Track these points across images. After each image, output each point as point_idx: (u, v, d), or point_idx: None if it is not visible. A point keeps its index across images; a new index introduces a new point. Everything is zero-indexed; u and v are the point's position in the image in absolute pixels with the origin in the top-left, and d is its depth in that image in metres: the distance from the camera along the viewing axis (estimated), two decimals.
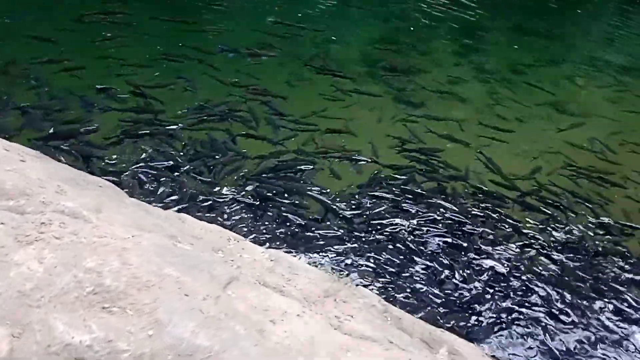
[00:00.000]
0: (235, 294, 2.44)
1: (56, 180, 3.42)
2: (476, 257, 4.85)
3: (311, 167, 5.64)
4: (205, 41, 8.12)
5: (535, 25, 11.47)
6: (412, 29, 10.15)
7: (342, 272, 4.09)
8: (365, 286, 4.13)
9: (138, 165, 5.04)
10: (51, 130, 5.39)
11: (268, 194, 5.09)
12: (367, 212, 5.13)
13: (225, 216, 4.68)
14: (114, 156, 5.17)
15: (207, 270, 2.50)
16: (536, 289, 4.62)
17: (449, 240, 4.97)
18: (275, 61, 8.00)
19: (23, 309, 1.83)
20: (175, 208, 4.49)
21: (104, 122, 5.71)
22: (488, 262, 4.75)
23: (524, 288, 4.62)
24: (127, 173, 4.90)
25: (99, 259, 2.18)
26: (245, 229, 4.61)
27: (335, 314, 2.70)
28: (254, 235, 4.58)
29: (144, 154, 5.29)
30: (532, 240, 5.25)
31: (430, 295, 4.29)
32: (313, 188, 5.36)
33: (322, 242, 4.57)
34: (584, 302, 4.62)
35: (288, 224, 4.81)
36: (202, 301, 2.22)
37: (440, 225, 5.16)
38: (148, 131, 5.66)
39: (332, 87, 7.43)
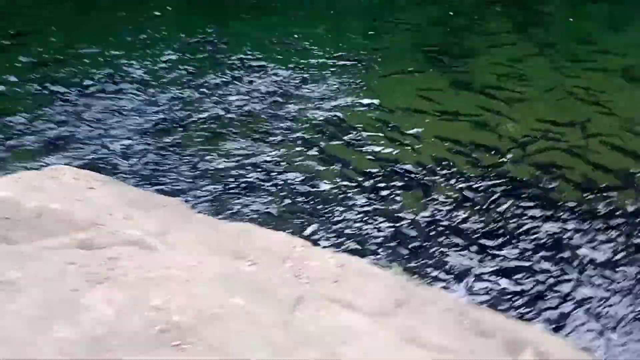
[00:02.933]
0: (303, 315, 2.40)
1: (123, 206, 3.51)
2: (565, 241, 4.57)
3: None
4: None
5: None
6: (468, 9, 9.63)
7: (414, 273, 3.98)
8: (440, 284, 4.01)
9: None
10: None
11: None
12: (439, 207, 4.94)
13: (292, 220, 4.66)
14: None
15: (274, 293, 2.47)
16: None
17: (531, 225, 4.71)
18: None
19: (97, 355, 1.86)
20: (242, 219, 4.51)
21: None
22: (583, 251, 4.43)
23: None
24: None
25: (166, 294, 2.19)
26: (314, 232, 4.57)
27: (408, 325, 2.61)
28: (322, 237, 4.53)
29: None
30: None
31: (512, 285, 4.10)
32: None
33: (394, 241, 4.46)
34: None
35: (356, 222, 4.73)
36: (271, 328, 2.20)
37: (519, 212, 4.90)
38: None
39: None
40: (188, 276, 2.41)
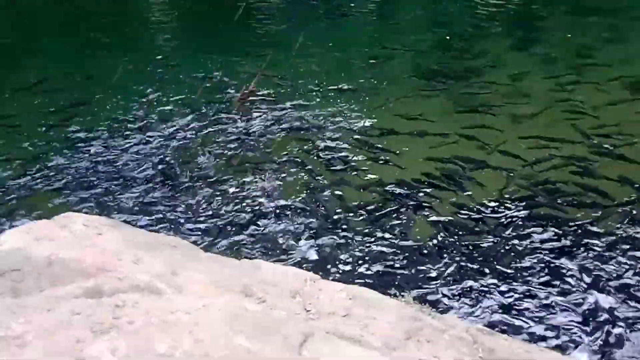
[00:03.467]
0: (311, 354, 2.38)
1: (132, 249, 3.54)
2: (577, 261, 4.49)
3: None
4: None
5: (594, 3, 10.72)
6: (467, 30, 9.70)
7: (425, 302, 3.93)
8: (453, 311, 3.95)
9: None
10: None
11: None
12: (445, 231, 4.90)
13: (302, 254, 4.66)
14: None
15: (280, 331, 2.45)
16: None
17: (541, 247, 4.65)
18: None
19: None
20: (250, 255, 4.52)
21: None
22: (598, 273, 4.33)
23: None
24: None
25: (171, 340, 2.19)
26: (324, 264, 4.56)
27: (419, 358, 2.57)
28: (333, 269, 4.52)
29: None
30: None
31: (527, 310, 4.03)
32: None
33: (404, 269, 4.43)
34: None
35: (366, 251, 4.71)
36: None
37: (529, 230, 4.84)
38: None
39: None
40: (194, 319, 2.41)
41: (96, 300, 2.53)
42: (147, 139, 6.64)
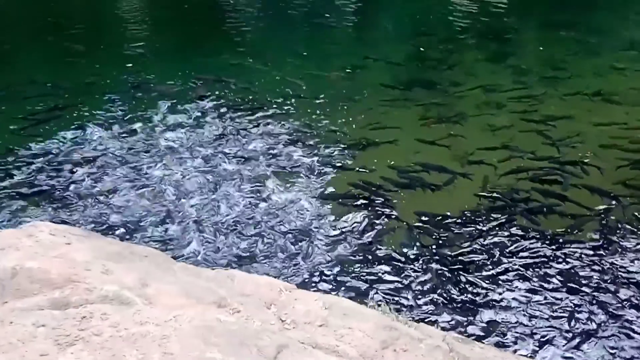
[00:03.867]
0: None
1: (102, 259, 3.43)
2: (553, 269, 4.54)
3: None
4: None
5: (565, 18, 10.99)
6: (442, 42, 9.81)
7: (400, 310, 3.91)
8: (429, 319, 3.93)
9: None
10: None
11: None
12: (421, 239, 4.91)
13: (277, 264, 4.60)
14: None
15: (254, 344, 2.39)
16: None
17: (518, 256, 4.68)
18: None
19: None
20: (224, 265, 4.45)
21: None
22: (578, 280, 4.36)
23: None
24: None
25: (139, 353, 2.11)
26: (300, 274, 4.51)
27: None
28: (309, 278, 4.47)
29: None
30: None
31: (502, 317, 4.03)
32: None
33: (381, 278, 4.40)
34: None
35: (343, 261, 4.67)
36: None
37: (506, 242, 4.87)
38: None
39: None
40: (164, 332, 2.33)
41: (62, 312, 2.43)
42: (119, 145, 6.51)
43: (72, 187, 5.74)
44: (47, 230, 3.70)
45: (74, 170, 6.06)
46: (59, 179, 5.85)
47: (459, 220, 5.17)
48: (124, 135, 6.81)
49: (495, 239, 4.91)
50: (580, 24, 10.64)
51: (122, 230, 4.99)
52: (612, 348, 3.88)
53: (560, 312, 4.12)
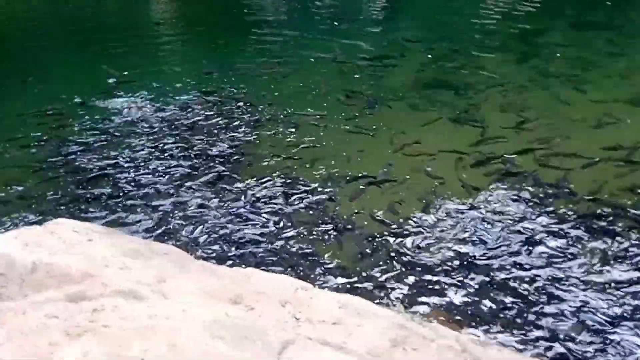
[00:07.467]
0: None
1: (121, 256, 3.51)
2: (568, 270, 4.43)
3: None
4: None
5: (593, 18, 10.66)
6: (466, 44, 9.67)
7: (417, 310, 3.87)
8: (443, 319, 3.88)
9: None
10: None
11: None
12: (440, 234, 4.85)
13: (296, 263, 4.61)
14: None
15: (260, 338, 2.41)
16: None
17: (534, 256, 4.57)
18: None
19: None
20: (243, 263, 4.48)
21: None
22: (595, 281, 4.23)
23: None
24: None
25: (146, 344, 2.15)
26: (318, 273, 4.51)
27: None
28: (326, 278, 4.46)
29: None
30: None
31: (518, 319, 3.94)
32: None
33: (397, 277, 4.36)
34: None
35: (360, 260, 4.65)
36: None
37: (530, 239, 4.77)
38: None
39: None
40: (173, 325, 2.37)
41: (76, 305, 2.50)
42: (146, 147, 6.62)
43: (97, 185, 5.88)
44: (69, 228, 3.80)
45: (101, 168, 6.20)
46: (85, 178, 5.99)
47: (481, 224, 5.07)
48: (152, 135, 6.94)
49: (516, 241, 4.78)
50: (608, 25, 10.33)
51: (144, 228, 5.08)
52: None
53: (581, 315, 3.99)
